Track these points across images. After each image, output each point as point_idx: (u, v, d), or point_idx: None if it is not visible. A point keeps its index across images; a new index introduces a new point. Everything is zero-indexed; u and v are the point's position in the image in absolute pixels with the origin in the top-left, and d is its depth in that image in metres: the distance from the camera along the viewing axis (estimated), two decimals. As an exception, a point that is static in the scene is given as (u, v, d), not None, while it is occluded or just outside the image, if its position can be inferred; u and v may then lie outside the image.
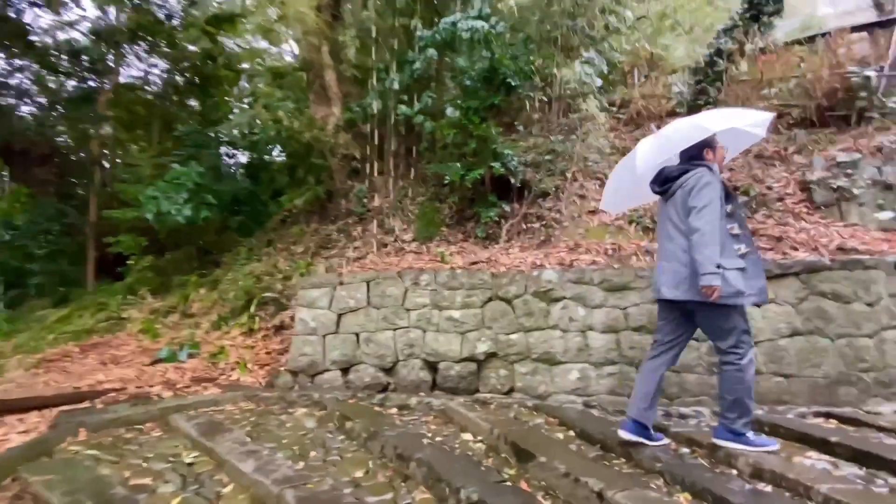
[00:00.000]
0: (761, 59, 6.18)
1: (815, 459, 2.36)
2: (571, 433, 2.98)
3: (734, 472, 2.29)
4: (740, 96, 6.04)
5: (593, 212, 5.21)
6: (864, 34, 6.79)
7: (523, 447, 2.52)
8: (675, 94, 6.54)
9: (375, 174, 6.67)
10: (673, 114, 6.15)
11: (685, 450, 2.58)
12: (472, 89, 5.52)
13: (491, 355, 3.89)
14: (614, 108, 6.66)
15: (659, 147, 2.47)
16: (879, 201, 4.66)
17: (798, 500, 1.99)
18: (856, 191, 4.72)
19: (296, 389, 4.05)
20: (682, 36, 8.70)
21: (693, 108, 5.81)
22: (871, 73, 5.53)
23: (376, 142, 6.68)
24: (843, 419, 2.94)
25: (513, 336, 3.88)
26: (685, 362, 3.41)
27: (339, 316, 4.23)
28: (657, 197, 2.67)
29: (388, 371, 4.06)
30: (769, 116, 2.57)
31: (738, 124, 2.52)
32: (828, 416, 3.04)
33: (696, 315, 2.45)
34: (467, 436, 2.98)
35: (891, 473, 2.19)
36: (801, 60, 6.22)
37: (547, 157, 5.81)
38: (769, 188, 5.16)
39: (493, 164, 5.11)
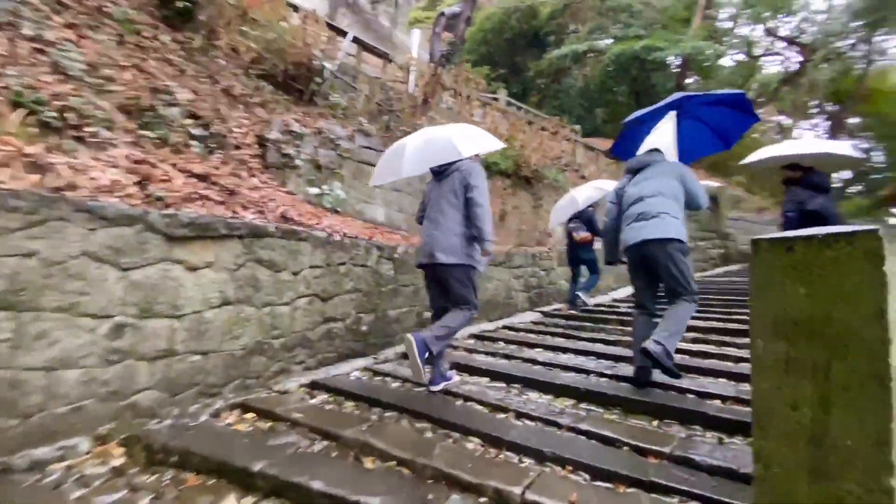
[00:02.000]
0: (255, -8, 5.70)
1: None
2: None
3: None
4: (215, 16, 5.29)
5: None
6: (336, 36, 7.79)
7: None
8: None
9: None
10: None
11: None
12: None
13: None
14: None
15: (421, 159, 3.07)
16: (311, 177, 5.28)
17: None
18: (298, 162, 5.11)
19: None
20: None
21: None
22: (328, 65, 6.32)
23: None
24: (260, 412, 2.76)
25: None
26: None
27: None
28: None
29: None
30: (498, 146, 3.33)
31: (481, 150, 3.18)
32: (244, 407, 2.81)
33: (449, 277, 2.93)
34: None
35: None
36: (284, 19, 6.27)
37: None
38: (231, 131, 4.70)
39: None
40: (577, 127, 16.47)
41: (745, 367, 3.31)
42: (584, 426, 2.48)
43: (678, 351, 3.36)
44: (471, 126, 3.40)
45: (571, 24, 21.55)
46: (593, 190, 5.87)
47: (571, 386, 3.09)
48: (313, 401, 2.95)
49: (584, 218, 5.88)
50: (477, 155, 3.15)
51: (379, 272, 4.41)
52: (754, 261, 1.37)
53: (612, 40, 19.76)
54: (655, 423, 2.63)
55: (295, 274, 3.63)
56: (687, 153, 3.31)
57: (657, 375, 3.05)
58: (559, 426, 2.52)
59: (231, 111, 5.02)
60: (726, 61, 22.20)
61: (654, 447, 2.24)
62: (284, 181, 4.94)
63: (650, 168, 3.07)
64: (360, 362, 3.79)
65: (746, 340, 3.86)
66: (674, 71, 19.56)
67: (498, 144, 3.29)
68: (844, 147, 4.80)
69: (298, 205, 4.40)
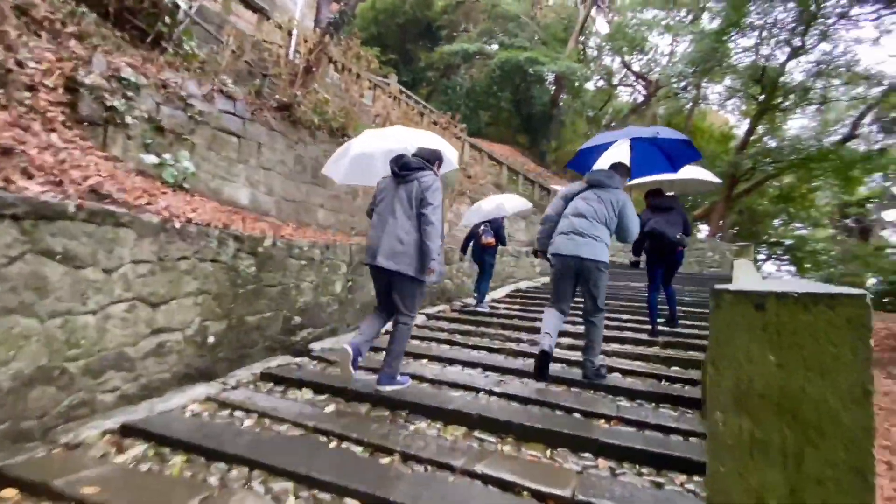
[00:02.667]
0: None
1: None
2: None
3: None
4: None
5: None
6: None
7: None
8: None
9: None
10: None
11: None
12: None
13: None
14: None
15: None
16: (148, 141, 4.11)
17: None
18: (129, 119, 3.92)
19: None
20: None
21: None
22: (183, 4, 5.05)
23: None
24: (28, 487, 1.83)
25: None
26: None
27: None
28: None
29: None
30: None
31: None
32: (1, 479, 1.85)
33: (397, 284, 2.97)
34: None
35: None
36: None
37: None
38: (21, 65, 3.36)
39: None
40: (464, 125, 16.75)
41: (628, 382, 3.45)
42: (480, 468, 2.17)
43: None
44: (437, 136, 3.65)
45: (463, 23, 21.79)
46: (520, 202, 6.42)
47: (463, 412, 2.77)
48: (122, 457, 2.10)
49: (493, 225, 6.02)
50: (438, 169, 3.19)
51: (236, 269, 3.56)
52: (715, 315, 1.13)
53: (498, 46, 20.48)
54: (549, 452, 2.46)
55: (108, 272, 2.66)
56: (637, 169, 3.78)
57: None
58: (452, 469, 2.17)
59: (26, 37, 3.62)
60: (591, 85, 24.80)
61: (554, 491, 2.01)
62: (105, 143, 3.73)
63: (601, 190, 3.37)
64: (202, 390, 2.95)
65: (629, 349, 4.22)
66: (549, 87, 21.10)
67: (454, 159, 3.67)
68: (706, 173, 5.38)
69: (123, 177, 3.32)
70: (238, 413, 2.67)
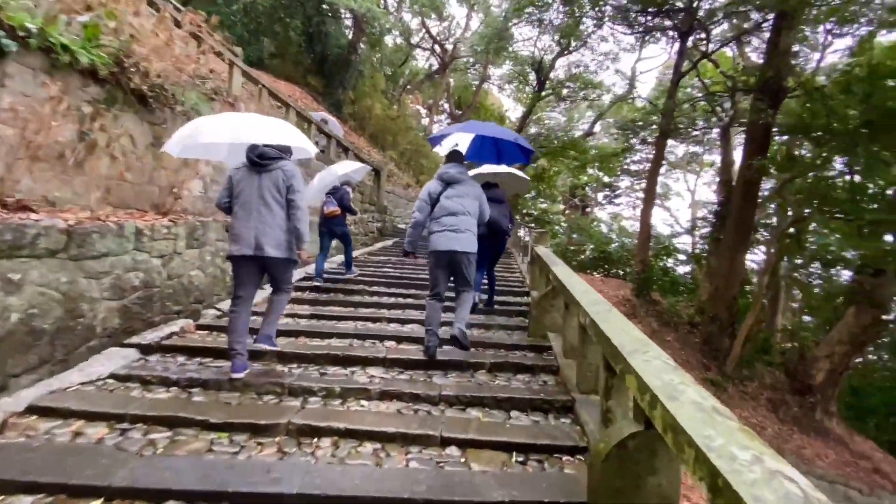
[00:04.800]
0: None
1: None
2: None
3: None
4: None
5: None
6: None
7: None
8: None
9: None
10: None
11: None
12: None
13: None
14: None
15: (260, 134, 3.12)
16: None
17: None
18: None
19: None
20: None
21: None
22: None
23: None
24: None
25: None
26: None
27: None
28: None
29: None
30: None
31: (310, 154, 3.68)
32: None
33: (273, 268, 3.19)
34: None
35: None
36: None
37: None
38: None
39: None
40: (239, 50, 13.26)
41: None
42: None
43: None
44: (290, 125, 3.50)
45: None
46: (355, 167, 6.45)
47: None
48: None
49: (336, 195, 6.00)
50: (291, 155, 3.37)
51: None
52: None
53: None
54: None
55: None
56: (472, 155, 4.77)
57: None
58: None
59: None
60: (390, 40, 23.55)
61: None
62: None
63: (461, 185, 3.73)
64: None
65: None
66: (346, 31, 18.89)
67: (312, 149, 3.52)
68: (523, 175, 6.18)
69: None
70: None
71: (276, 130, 3.12)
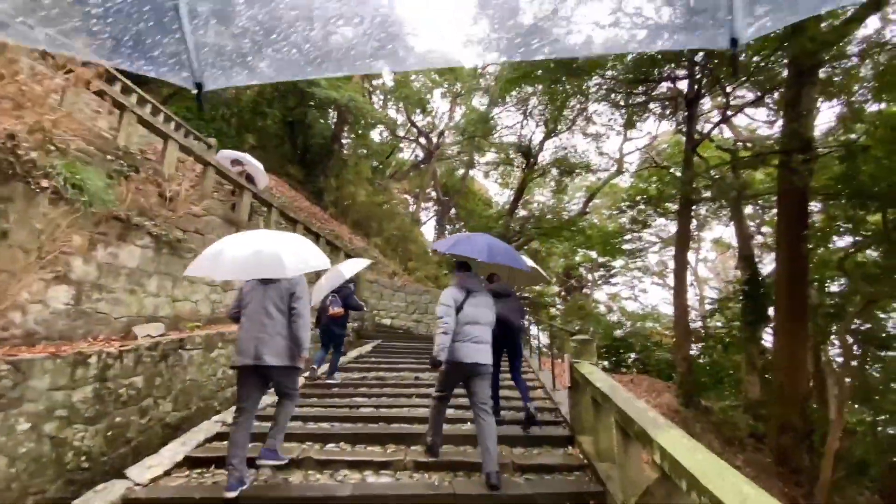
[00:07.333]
0: None
1: None
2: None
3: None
4: None
5: None
6: None
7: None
8: None
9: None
10: None
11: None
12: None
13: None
14: None
15: (244, 269, 3.18)
16: None
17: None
18: None
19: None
20: None
21: None
22: None
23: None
24: None
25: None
26: None
27: None
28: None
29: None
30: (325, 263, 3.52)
31: (308, 269, 3.34)
32: None
33: (276, 376, 3.23)
34: None
35: None
36: None
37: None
38: None
39: None
40: (213, 141, 12.41)
41: None
42: None
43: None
44: (301, 238, 3.54)
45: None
46: (362, 265, 6.29)
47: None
48: None
49: (342, 294, 5.80)
50: None
51: None
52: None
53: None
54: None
55: None
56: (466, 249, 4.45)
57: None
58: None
59: None
60: (376, 136, 23.64)
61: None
62: None
63: (480, 296, 3.75)
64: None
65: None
66: (331, 123, 18.69)
67: (326, 262, 3.45)
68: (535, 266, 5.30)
69: None
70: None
71: (296, 261, 3.13)
